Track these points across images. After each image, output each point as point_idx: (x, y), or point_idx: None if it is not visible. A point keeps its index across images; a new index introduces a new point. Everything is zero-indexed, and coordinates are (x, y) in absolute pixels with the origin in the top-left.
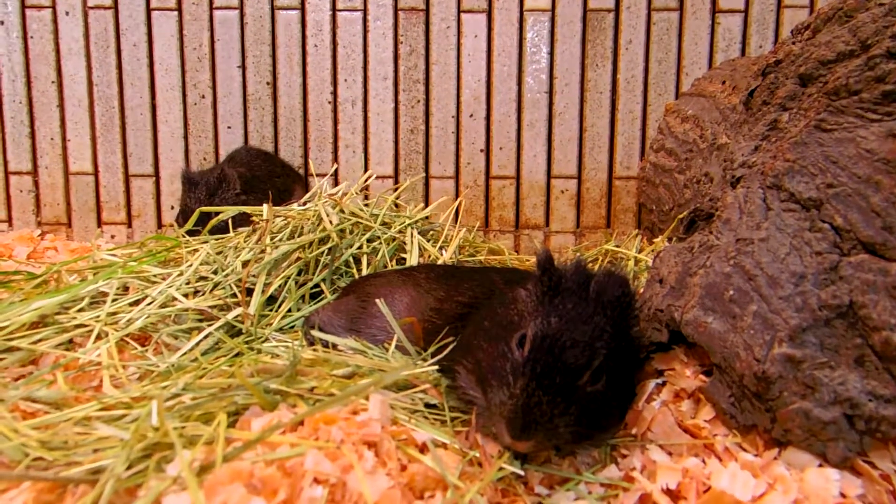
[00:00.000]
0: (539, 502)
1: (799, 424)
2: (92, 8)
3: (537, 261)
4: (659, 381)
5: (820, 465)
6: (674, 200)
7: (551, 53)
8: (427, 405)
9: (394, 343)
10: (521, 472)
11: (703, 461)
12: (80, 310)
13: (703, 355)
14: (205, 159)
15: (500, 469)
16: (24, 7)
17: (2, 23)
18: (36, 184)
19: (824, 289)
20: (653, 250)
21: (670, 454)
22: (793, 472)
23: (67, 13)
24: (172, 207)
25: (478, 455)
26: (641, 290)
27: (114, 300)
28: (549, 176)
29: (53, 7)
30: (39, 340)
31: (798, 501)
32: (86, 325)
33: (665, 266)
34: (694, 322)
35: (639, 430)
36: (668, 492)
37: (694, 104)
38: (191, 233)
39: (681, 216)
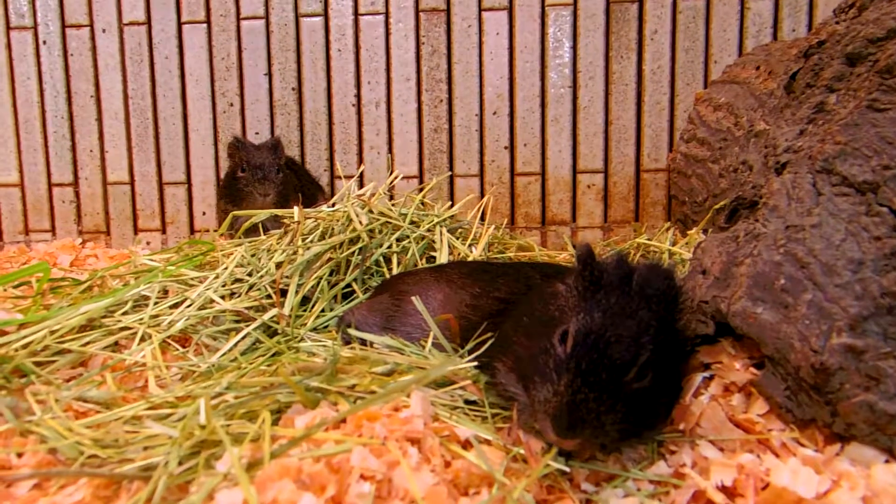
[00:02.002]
0: (587, 499)
1: (863, 418)
2: (127, 24)
3: (577, 255)
4: (706, 374)
5: (887, 461)
6: (708, 191)
7: (574, 47)
8: (467, 401)
9: (430, 340)
10: (567, 469)
11: (759, 457)
12: (125, 313)
13: (752, 347)
14: None
15: (546, 466)
16: (64, 26)
17: (44, 42)
18: (77, 194)
19: (885, 275)
20: (687, 243)
21: (722, 450)
22: (858, 468)
23: (104, 30)
24: (204, 213)
25: (522, 451)
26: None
27: (155, 303)
28: (574, 171)
29: (91, 25)
30: (88, 343)
31: (867, 499)
32: (130, 328)
33: (708, 256)
34: (742, 313)
35: (687, 426)
36: (722, 489)
37: (726, 91)
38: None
39: (717, 206)
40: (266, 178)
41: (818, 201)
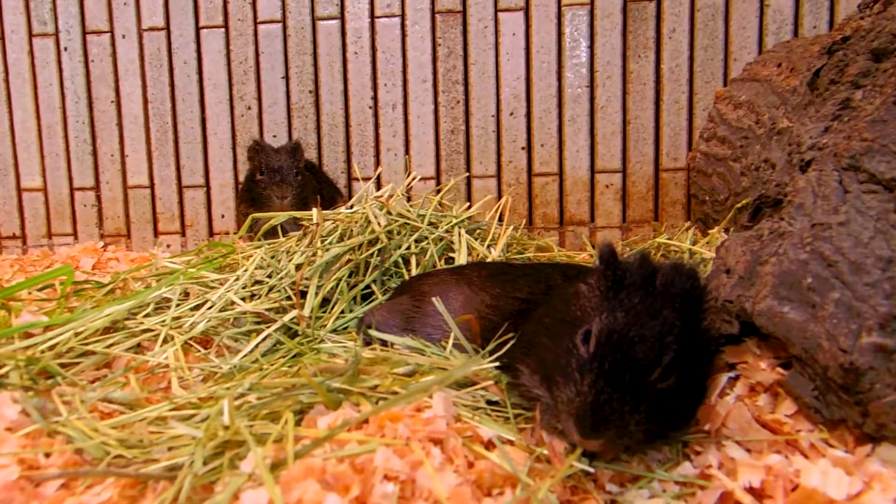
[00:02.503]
0: (611, 500)
1: (895, 418)
2: (146, 30)
3: (599, 255)
4: (731, 374)
5: None
6: (729, 189)
7: (591, 47)
8: (488, 402)
9: (451, 341)
10: (591, 470)
11: (787, 458)
12: (147, 315)
13: (778, 347)
14: None
15: (570, 466)
16: (84, 33)
17: (65, 48)
18: (98, 198)
19: None
20: (708, 242)
21: (749, 451)
22: (890, 469)
23: (124, 36)
24: (223, 216)
25: (545, 452)
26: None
27: (177, 305)
28: (592, 171)
29: (111, 31)
30: (112, 345)
31: None
32: (152, 330)
33: (732, 256)
34: (768, 312)
35: (712, 427)
36: (750, 490)
37: (747, 89)
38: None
39: (739, 204)
40: (284, 182)
41: (845, 199)
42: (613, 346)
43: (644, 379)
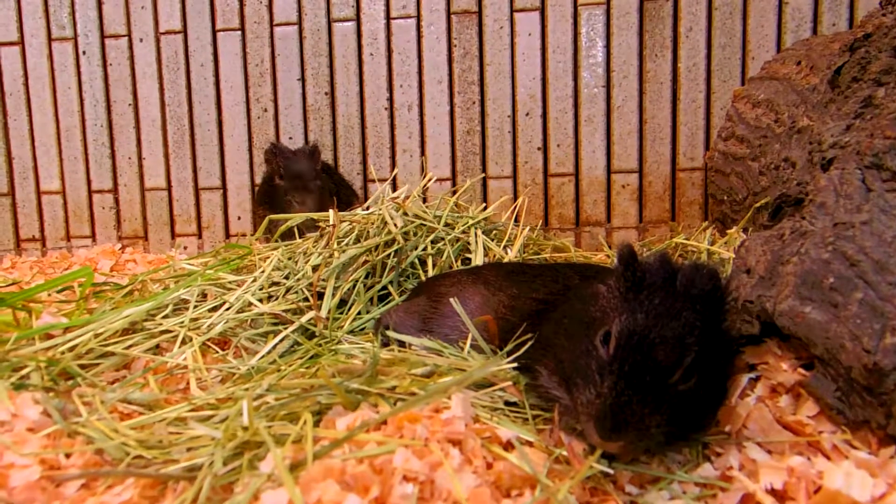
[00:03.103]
0: (631, 502)
1: None
2: (163, 33)
3: (619, 255)
4: (752, 375)
5: None
6: (748, 189)
7: (607, 47)
8: (507, 403)
9: (468, 341)
10: (611, 471)
11: (809, 459)
12: (165, 316)
13: (799, 347)
14: None
15: (589, 468)
16: (103, 37)
17: (84, 52)
18: (116, 201)
19: None
20: (726, 242)
21: (770, 452)
22: None
23: (142, 40)
24: (239, 218)
25: (564, 453)
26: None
27: (195, 307)
28: (609, 171)
29: (129, 35)
30: (131, 346)
31: None
32: (171, 331)
33: (752, 255)
34: (790, 312)
35: (733, 428)
36: (772, 492)
37: (766, 88)
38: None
39: (759, 204)
40: (305, 188)
41: (868, 197)
42: (633, 348)
43: (664, 381)
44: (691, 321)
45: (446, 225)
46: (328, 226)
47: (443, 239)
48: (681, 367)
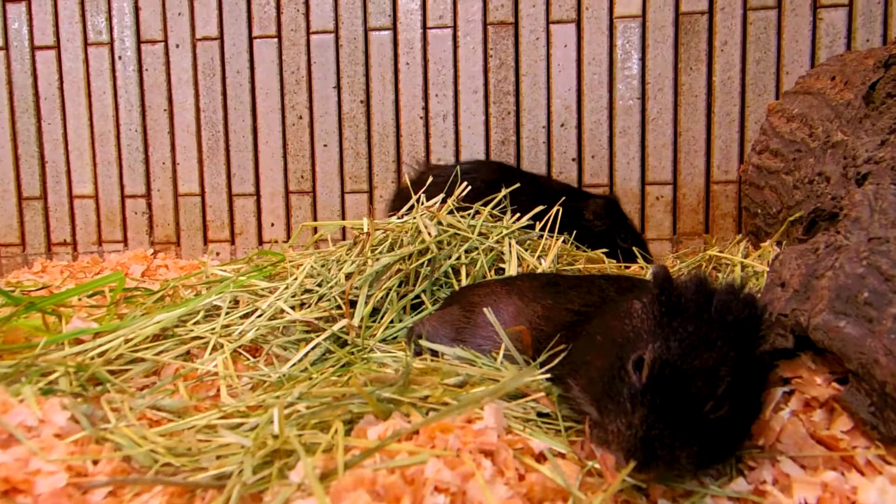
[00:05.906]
0: None
1: None
2: (200, 40)
3: (654, 278)
4: (786, 389)
5: None
6: (782, 203)
7: (643, 59)
8: (539, 414)
9: (502, 352)
10: (643, 485)
11: (843, 475)
12: (196, 323)
13: (833, 362)
14: (302, 177)
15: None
16: (139, 42)
17: (120, 57)
18: (149, 206)
19: None
20: (760, 255)
21: (804, 467)
22: None
23: (178, 45)
24: (273, 224)
25: (597, 465)
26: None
27: (226, 313)
28: (643, 183)
29: (165, 41)
30: (161, 352)
31: None
32: (202, 338)
33: (786, 269)
34: (824, 327)
35: (766, 442)
36: None
37: (800, 102)
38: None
39: (792, 218)
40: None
41: None
42: (666, 379)
43: (697, 412)
44: (725, 350)
45: (480, 234)
46: (362, 234)
47: (477, 248)
48: (713, 398)
